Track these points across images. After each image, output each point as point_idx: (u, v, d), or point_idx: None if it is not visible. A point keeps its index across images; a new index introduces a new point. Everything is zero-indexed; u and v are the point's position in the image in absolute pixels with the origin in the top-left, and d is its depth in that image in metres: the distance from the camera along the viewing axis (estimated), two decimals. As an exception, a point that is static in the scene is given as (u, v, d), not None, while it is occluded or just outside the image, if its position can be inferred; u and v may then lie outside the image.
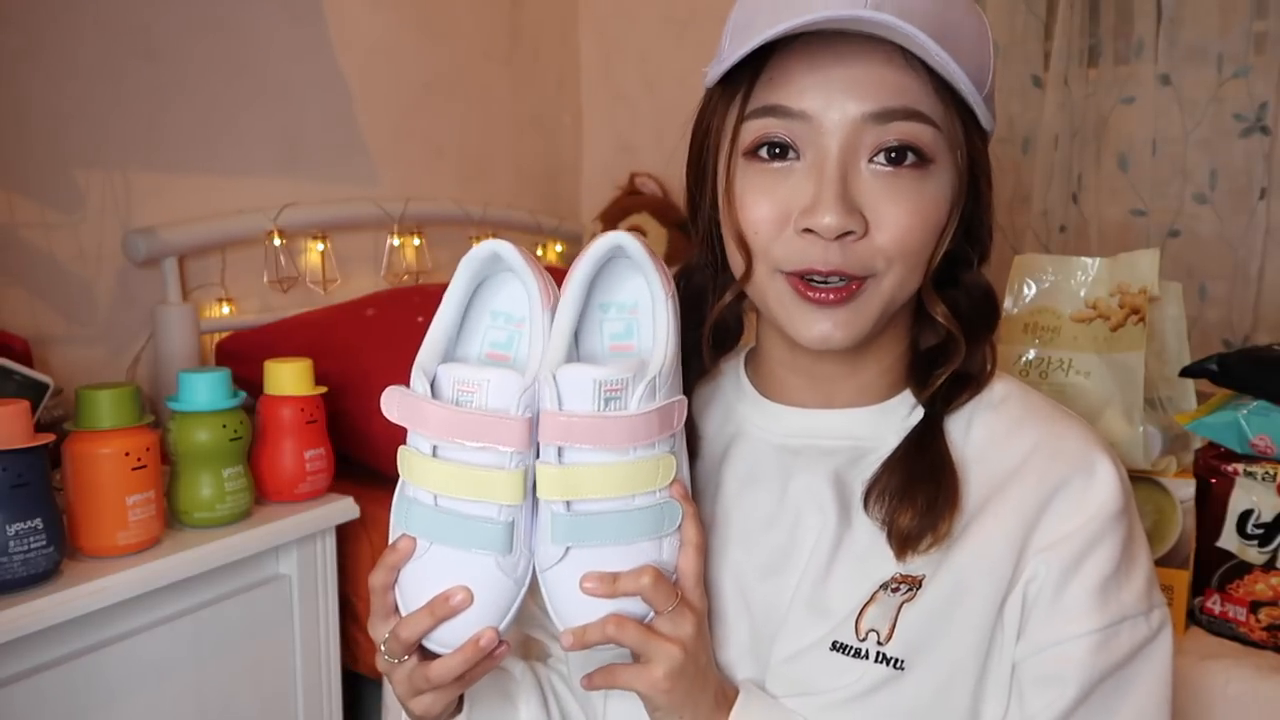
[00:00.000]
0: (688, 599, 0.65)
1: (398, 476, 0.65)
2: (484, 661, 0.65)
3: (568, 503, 0.62)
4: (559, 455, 0.62)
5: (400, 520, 0.65)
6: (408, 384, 0.65)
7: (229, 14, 1.58)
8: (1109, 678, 0.66)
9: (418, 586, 0.64)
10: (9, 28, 1.31)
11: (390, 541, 0.65)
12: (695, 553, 0.65)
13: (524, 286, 0.68)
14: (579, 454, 0.62)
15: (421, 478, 0.63)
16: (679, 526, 0.64)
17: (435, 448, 0.63)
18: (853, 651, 0.67)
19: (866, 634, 0.67)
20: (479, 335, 0.71)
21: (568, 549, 0.63)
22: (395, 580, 0.65)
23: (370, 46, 1.83)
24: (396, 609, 0.65)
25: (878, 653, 0.67)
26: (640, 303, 0.71)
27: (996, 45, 1.91)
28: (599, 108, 2.39)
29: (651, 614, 0.64)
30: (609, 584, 0.62)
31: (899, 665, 0.66)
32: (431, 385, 0.64)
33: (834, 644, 0.68)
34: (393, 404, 0.63)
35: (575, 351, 0.69)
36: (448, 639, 0.64)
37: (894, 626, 0.67)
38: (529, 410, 0.62)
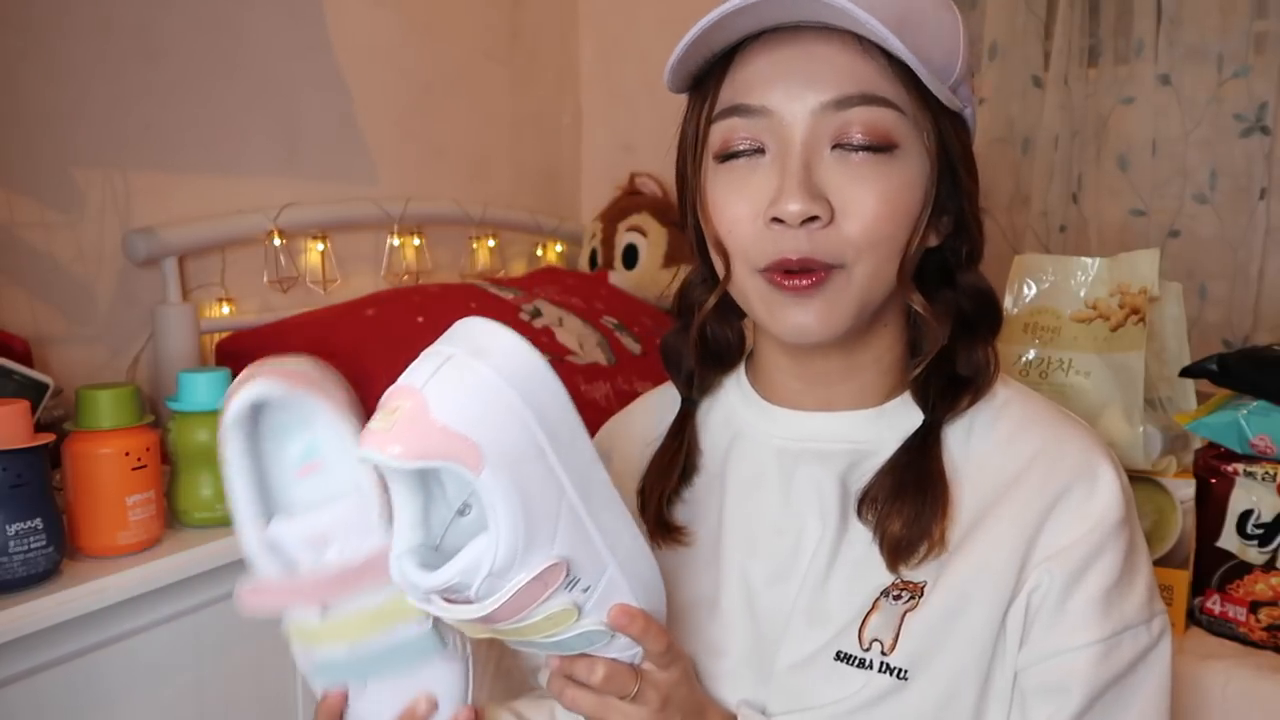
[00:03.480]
0: (650, 680, 0.63)
1: None
2: None
3: None
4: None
5: (320, 681, 0.62)
6: None
7: (229, 14, 1.58)
8: (1111, 687, 0.65)
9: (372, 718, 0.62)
10: (8, 28, 1.31)
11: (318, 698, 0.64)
12: (660, 658, 0.63)
13: (306, 409, 0.61)
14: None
15: (326, 639, 0.60)
16: (612, 638, 0.60)
17: (324, 609, 0.60)
18: (856, 661, 0.67)
19: (870, 644, 0.67)
20: (283, 459, 0.63)
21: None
22: None
23: (370, 46, 1.83)
24: None
25: (881, 663, 0.66)
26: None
27: (996, 45, 1.92)
28: (599, 108, 2.39)
29: None
30: (567, 665, 0.62)
31: (903, 675, 0.66)
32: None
33: (838, 654, 0.67)
34: (257, 601, 0.59)
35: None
36: None
37: (897, 636, 0.66)
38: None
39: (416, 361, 0.54)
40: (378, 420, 0.52)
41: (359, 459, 0.52)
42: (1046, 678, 0.65)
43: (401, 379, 0.53)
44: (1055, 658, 0.65)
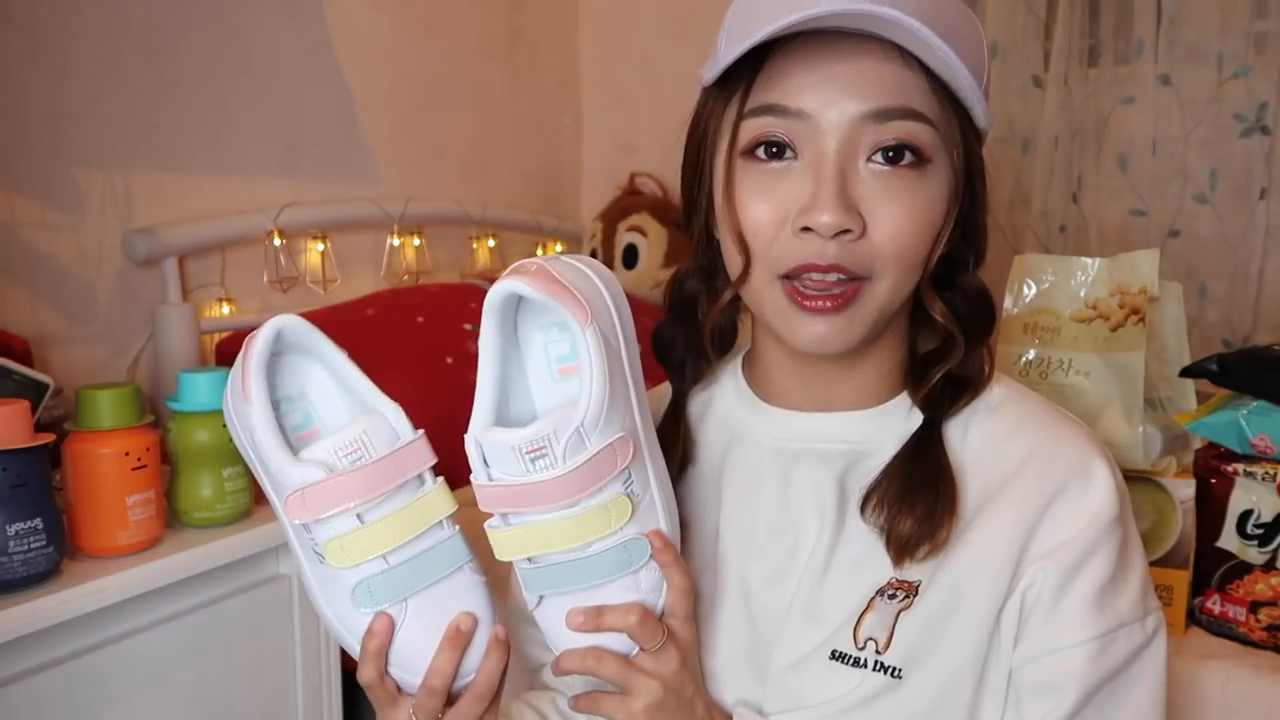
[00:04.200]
0: (674, 635, 0.65)
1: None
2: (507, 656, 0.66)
3: (529, 557, 0.63)
4: (505, 518, 0.62)
5: (361, 603, 0.63)
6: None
7: (229, 14, 1.58)
8: (1106, 685, 0.66)
9: (416, 649, 0.63)
10: (10, 28, 1.31)
11: (348, 636, 0.64)
12: (684, 596, 0.64)
13: (311, 355, 0.67)
14: (521, 515, 0.61)
15: (365, 549, 0.62)
16: (651, 557, 0.63)
17: (359, 516, 0.62)
18: (851, 660, 0.67)
19: (865, 642, 0.67)
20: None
21: (541, 596, 0.64)
22: (385, 664, 0.64)
23: (370, 46, 1.83)
24: (399, 689, 0.65)
25: (876, 661, 0.66)
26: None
27: (996, 45, 1.92)
28: (599, 108, 2.39)
29: (638, 647, 0.64)
30: (594, 619, 0.62)
31: (897, 674, 0.66)
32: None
33: (833, 653, 0.68)
34: (303, 503, 0.61)
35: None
36: (470, 665, 0.64)
37: (891, 635, 0.67)
38: (416, 428, 0.64)
39: (523, 260, 0.64)
40: (510, 271, 0.62)
41: (501, 290, 0.61)
42: (1041, 676, 0.66)
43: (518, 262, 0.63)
44: (1049, 656, 0.65)
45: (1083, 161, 1.88)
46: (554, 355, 0.67)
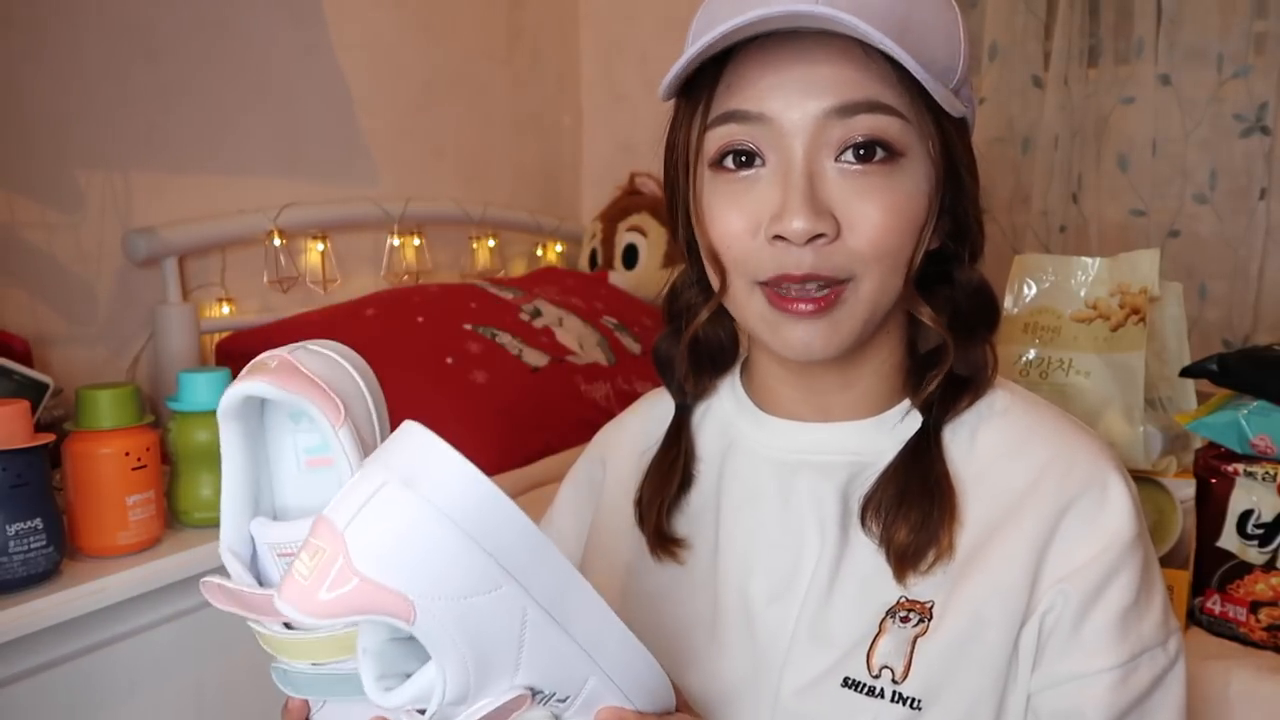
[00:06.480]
0: None
1: None
2: None
3: None
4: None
5: (284, 686, 0.60)
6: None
7: (230, 14, 1.58)
8: (1130, 713, 0.63)
9: None
10: (11, 28, 1.31)
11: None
12: None
13: (306, 413, 0.57)
14: None
15: (287, 653, 0.58)
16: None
17: (286, 623, 0.57)
18: (866, 689, 0.64)
19: (880, 670, 0.64)
20: (288, 448, 0.61)
21: None
22: None
23: (370, 46, 1.83)
24: None
25: (894, 692, 0.64)
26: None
27: (996, 45, 1.92)
28: (599, 108, 2.39)
29: None
30: None
31: (917, 705, 0.63)
32: (254, 551, 0.58)
33: (845, 680, 0.65)
34: (217, 599, 0.58)
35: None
36: None
37: (910, 663, 0.64)
38: None
39: (347, 487, 0.48)
40: (302, 561, 0.47)
41: (277, 605, 0.48)
42: (1062, 702, 0.63)
43: (328, 509, 0.47)
44: (1072, 682, 0.63)
45: (1083, 161, 1.88)
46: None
